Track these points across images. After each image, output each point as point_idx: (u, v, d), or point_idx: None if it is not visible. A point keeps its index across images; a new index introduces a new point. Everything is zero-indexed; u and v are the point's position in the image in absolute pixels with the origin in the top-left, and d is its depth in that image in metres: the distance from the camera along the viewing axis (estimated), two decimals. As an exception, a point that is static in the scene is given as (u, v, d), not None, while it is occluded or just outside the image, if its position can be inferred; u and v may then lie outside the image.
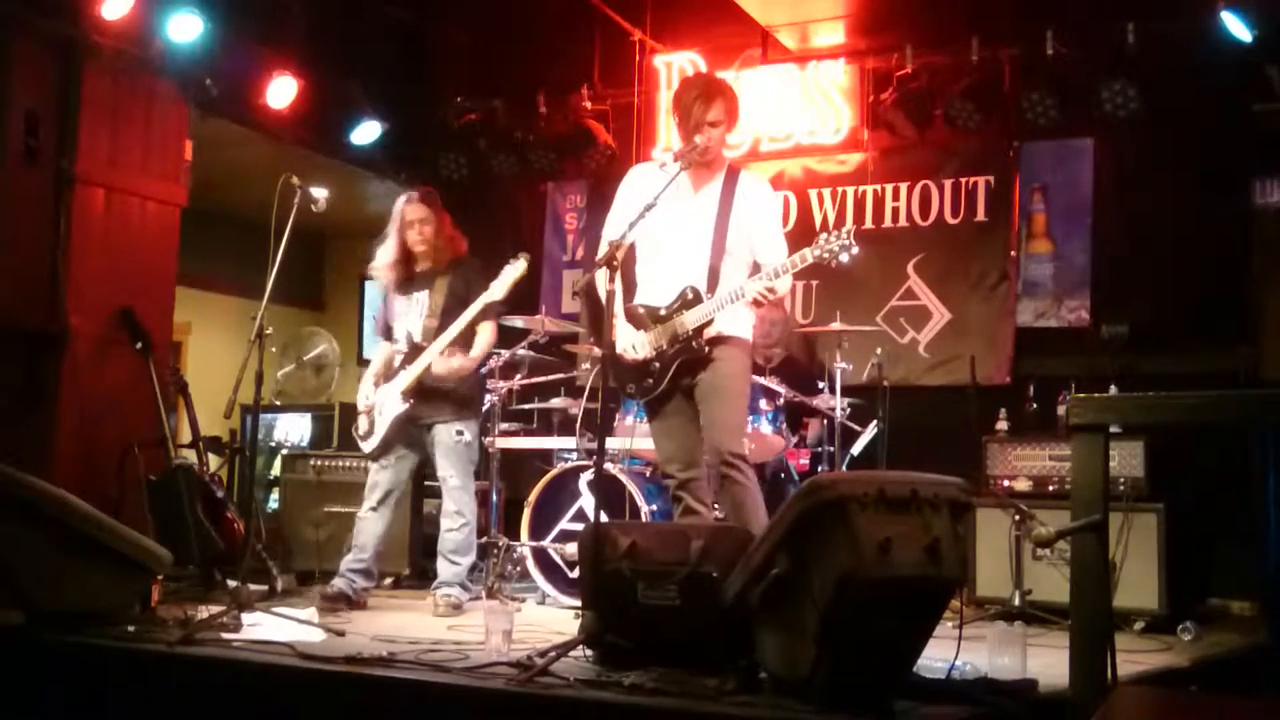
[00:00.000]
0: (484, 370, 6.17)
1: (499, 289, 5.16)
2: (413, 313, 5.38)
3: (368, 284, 9.79)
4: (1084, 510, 3.14)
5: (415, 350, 5.27)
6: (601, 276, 4.15)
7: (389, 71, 7.71)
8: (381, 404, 5.32)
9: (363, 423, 5.41)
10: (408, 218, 5.37)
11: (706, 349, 4.39)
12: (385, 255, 5.45)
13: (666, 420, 4.54)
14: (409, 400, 5.23)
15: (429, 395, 5.26)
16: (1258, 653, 4.78)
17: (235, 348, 6.57)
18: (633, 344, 4.47)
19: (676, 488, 4.53)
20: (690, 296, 4.41)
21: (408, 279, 5.44)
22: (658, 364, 4.44)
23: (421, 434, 5.37)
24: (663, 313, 4.45)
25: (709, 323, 4.38)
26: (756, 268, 4.47)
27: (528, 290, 7.73)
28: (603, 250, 4.20)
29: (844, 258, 4.25)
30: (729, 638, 3.42)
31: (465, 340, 5.27)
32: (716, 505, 4.61)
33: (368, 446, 5.37)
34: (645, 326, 4.49)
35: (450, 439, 5.30)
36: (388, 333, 5.50)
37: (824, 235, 4.28)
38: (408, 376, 5.24)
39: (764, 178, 4.89)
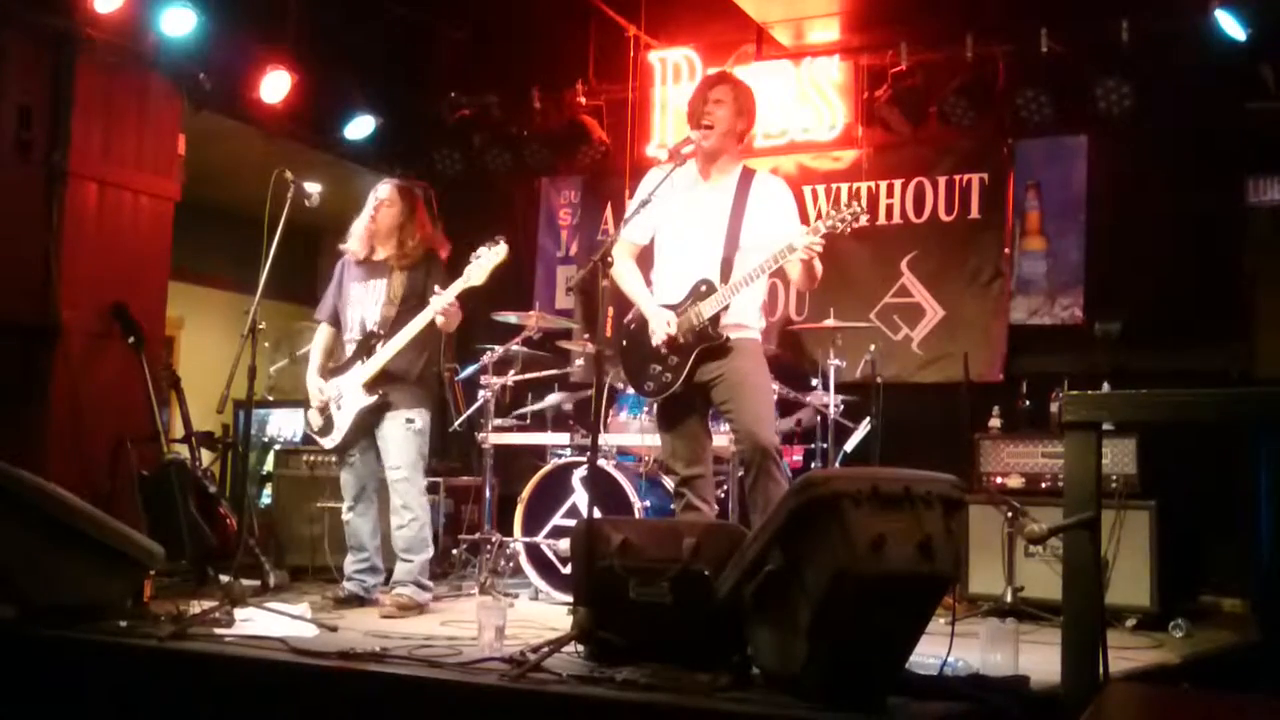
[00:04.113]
0: (470, 369, 6.13)
1: (478, 275, 4.98)
2: (369, 299, 5.23)
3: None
4: (1076, 507, 3.14)
5: (369, 338, 5.14)
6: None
7: (383, 66, 7.70)
8: (339, 397, 5.18)
9: (314, 418, 5.25)
10: (376, 196, 5.29)
11: (725, 338, 4.38)
12: (355, 227, 5.33)
13: (678, 417, 4.53)
14: (375, 393, 5.09)
15: (386, 383, 5.12)
16: (1249, 650, 4.80)
17: (228, 343, 6.56)
18: (666, 321, 4.44)
19: (680, 484, 4.54)
20: (704, 289, 4.42)
21: (368, 263, 5.28)
22: (675, 358, 4.43)
23: (379, 422, 5.18)
24: (677, 308, 4.46)
25: (725, 309, 4.38)
26: None
27: (521, 286, 7.79)
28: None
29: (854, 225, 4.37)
30: (722, 634, 3.42)
31: (422, 336, 5.11)
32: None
33: (329, 442, 5.22)
34: None
35: (400, 428, 5.10)
36: (334, 318, 5.35)
37: (834, 209, 4.38)
38: (370, 368, 5.10)
39: (779, 178, 4.85)
